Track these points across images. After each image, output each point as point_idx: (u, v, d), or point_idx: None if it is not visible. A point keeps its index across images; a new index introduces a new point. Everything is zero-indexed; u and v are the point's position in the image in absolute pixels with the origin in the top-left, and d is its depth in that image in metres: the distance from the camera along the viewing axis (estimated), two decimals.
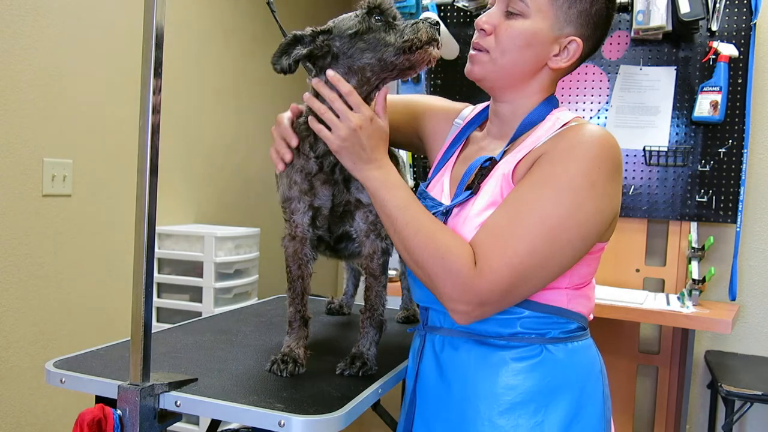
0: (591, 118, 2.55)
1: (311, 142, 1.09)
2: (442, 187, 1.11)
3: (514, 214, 0.92)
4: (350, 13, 1.06)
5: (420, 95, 1.33)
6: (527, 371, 0.98)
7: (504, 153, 1.03)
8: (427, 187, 1.15)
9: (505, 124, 1.07)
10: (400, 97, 1.31)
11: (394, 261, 1.55)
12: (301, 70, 1.09)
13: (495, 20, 1.01)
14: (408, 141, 1.29)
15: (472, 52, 1.05)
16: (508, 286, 0.90)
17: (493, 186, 0.99)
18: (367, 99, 1.06)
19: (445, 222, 1.03)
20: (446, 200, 1.08)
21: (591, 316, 1.08)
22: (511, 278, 0.90)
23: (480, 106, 1.19)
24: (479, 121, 1.17)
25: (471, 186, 1.01)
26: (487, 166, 1.01)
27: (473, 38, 1.05)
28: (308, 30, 1.05)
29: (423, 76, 2.74)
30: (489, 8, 1.04)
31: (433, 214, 1.01)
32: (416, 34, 1.00)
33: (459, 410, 1.01)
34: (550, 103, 1.06)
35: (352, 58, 1.03)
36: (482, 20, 1.02)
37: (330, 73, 1.01)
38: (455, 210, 1.03)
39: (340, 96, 1.01)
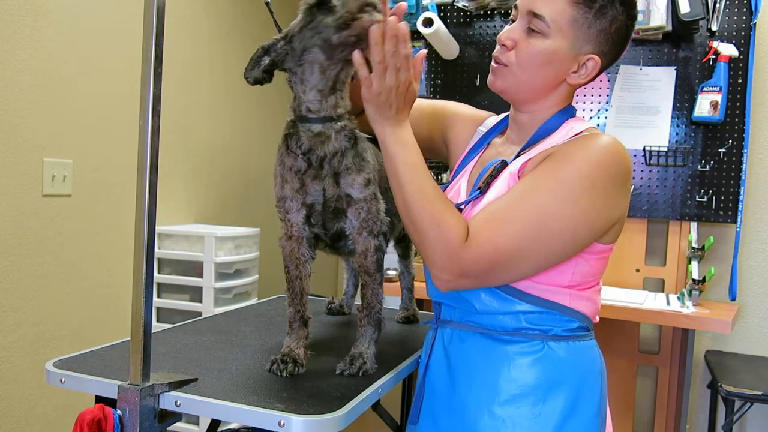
0: (591, 118, 2.55)
1: (297, 139, 1.10)
2: (459, 190, 1.14)
3: (511, 201, 0.97)
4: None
5: (447, 101, 1.35)
6: (529, 365, 1.02)
7: (516, 157, 1.07)
8: (444, 191, 1.17)
9: (522, 132, 1.11)
10: (429, 102, 1.34)
11: (394, 261, 1.56)
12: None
13: (516, 36, 1.04)
14: (433, 145, 1.31)
15: (493, 65, 1.08)
16: (491, 262, 0.94)
17: (500, 184, 1.03)
18: (334, 87, 1.07)
19: None
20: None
21: (597, 319, 1.10)
22: (495, 255, 0.94)
23: (503, 115, 1.23)
24: (500, 129, 1.20)
25: (482, 186, 1.05)
26: (498, 168, 1.05)
27: (495, 51, 1.08)
28: (272, 39, 1.08)
29: (423, 76, 2.74)
30: (511, 23, 1.07)
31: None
32: (347, 6, 0.99)
33: (462, 400, 1.05)
34: (566, 112, 1.09)
35: (307, 49, 1.05)
36: (504, 36, 1.05)
37: (404, 27, 0.98)
38: (466, 208, 1.07)
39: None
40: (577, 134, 1.03)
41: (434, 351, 1.14)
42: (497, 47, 1.08)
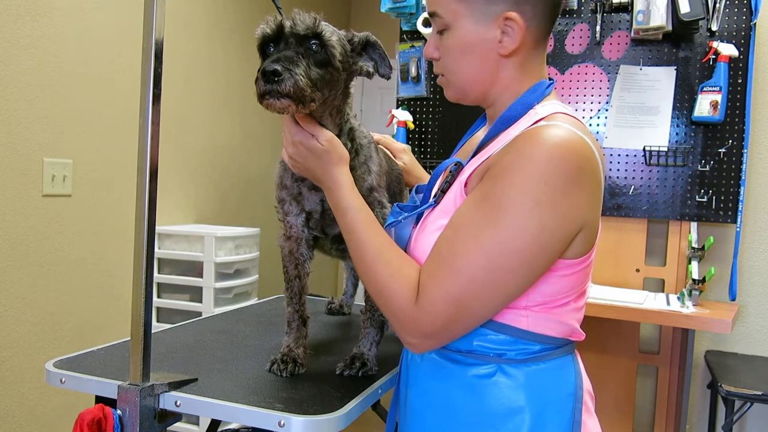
0: (591, 118, 2.55)
1: None
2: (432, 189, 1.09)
3: (453, 240, 0.87)
4: None
5: None
6: (480, 391, 0.93)
7: (472, 158, 0.96)
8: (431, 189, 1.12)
9: (491, 124, 1.01)
10: None
11: None
12: None
13: (433, 43, 0.98)
14: None
15: (438, 80, 1.02)
16: (449, 318, 0.86)
17: (450, 196, 0.95)
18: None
19: (416, 225, 1.00)
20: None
21: (579, 337, 0.98)
22: (450, 310, 0.86)
23: None
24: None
25: (436, 194, 0.98)
26: (454, 171, 0.96)
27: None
28: None
29: (423, 76, 2.74)
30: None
31: (401, 218, 0.99)
32: (256, 86, 0.95)
33: (420, 421, 0.99)
34: (533, 94, 0.95)
35: None
36: (426, 51, 1.00)
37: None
38: (425, 213, 0.99)
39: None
40: (535, 123, 0.89)
41: (401, 365, 1.07)
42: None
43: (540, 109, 0.92)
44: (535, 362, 0.93)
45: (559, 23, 2.56)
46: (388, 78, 1.09)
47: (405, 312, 0.88)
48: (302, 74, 0.93)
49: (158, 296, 2.49)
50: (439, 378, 0.97)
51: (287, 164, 1.06)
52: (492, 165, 0.88)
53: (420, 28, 2.47)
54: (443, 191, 0.96)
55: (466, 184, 0.93)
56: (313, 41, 0.97)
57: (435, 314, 0.86)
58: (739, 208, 2.34)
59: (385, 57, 1.07)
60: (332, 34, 0.99)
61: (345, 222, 0.98)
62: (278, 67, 0.90)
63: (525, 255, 0.84)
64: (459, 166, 0.96)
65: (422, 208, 0.97)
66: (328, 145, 1.00)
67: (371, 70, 1.06)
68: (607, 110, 2.54)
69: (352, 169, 1.07)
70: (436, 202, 0.96)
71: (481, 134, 1.09)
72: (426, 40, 2.62)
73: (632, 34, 2.44)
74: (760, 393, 2.00)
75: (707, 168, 2.40)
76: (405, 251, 0.98)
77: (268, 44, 0.98)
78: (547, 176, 0.83)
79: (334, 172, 1.00)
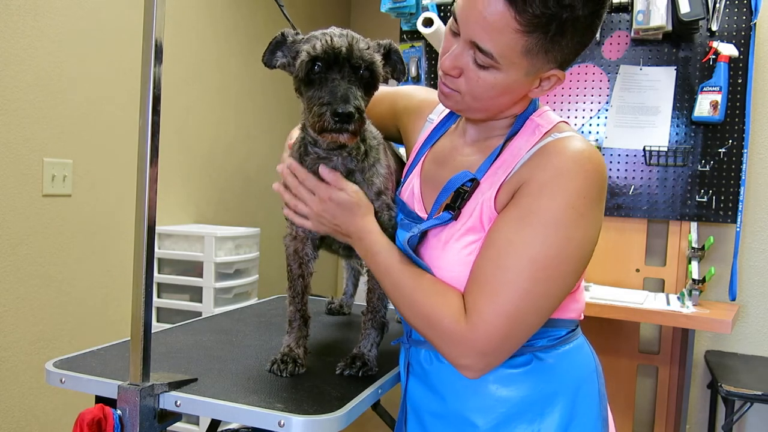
0: (591, 118, 2.55)
1: (301, 152, 1.07)
2: (412, 191, 1.08)
3: (499, 258, 0.89)
4: (313, 37, 1.00)
5: (407, 87, 1.26)
6: (518, 381, 0.96)
7: (486, 172, 0.97)
8: (400, 192, 1.12)
9: (481, 132, 1.03)
10: (388, 91, 1.25)
11: None
12: None
13: (461, 65, 0.92)
14: (395, 136, 1.25)
15: (443, 87, 0.97)
16: (505, 333, 0.88)
17: (473, 208, 0.95)
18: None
19: (420, 240, 1.00)
20: (418, 206, 1.05)
21: (582, 316, 1.04)
22: (506, 326, 0.87)
23: None
24: (455, 118, 1.11)
25: (451, 207, 0.96)
26: (469, 187, 0.96)
27: (440, 73, 0.96)
28: (292, 35, 1.04)
29: (423, 76, 2.74)
30: (452, 35, 0.93)
31: (410, 235, 0.99)
32: (318, 119, 0.94)
33: (456, 424, 0.99)
34: (528, 108, 1.00)
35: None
36: (447, 65, 0.92)
37: (289, 162, 1.05)
38: (433, 230, 0.99)
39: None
40: (544, 135, 0.94)
41: (412, 374, 1.07)
42: (440, 72, 0.95)
43: (540, 121, 0.98)
44: (561, 345, 0.99)
45: None
46: (399, 80, 1.10)
47: (457, 333, 0.89)
48: (364, 109, 0.96)
49: (158, 296, 2.49)
50: (476, 380, 0.97)
51: (314, 228, 1.06)
52: (524, 182, 0.91)
53: (420, 28, 2.47)
54: (459, 207, 0.96)
55: (495, 203, 0.94)
56: (365, 70, 0.98)
57: (490, 331, 0.88)
58: (739, 208, 2.34)
59: (402, 61, 1.08)
60: (378, 57, 1.01)
61: (378, 263, 0.99)
62: (352, 110, 0.93)
63: (573, 262, 0.90)
64: (475, 183, 0.96)
65: (440, 222, 0.97)
66: (357, 196, 1.02)
67: (388, 76, 1.08)
68: (607, 110, 2.54)
69: (361, 171, 1.06)
70: (454, 217, 0.96)
71: (456, 140, 1.07)
72: (426, 40, 2.61)
73: (632, 34, 2.44)
74: (760, 393, 2.00)
75: (707, 168, 2.41)
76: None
77: (315, 62, 0.97)
78: (585, 190, 0.89)
79: (364, 223, 1.01)
